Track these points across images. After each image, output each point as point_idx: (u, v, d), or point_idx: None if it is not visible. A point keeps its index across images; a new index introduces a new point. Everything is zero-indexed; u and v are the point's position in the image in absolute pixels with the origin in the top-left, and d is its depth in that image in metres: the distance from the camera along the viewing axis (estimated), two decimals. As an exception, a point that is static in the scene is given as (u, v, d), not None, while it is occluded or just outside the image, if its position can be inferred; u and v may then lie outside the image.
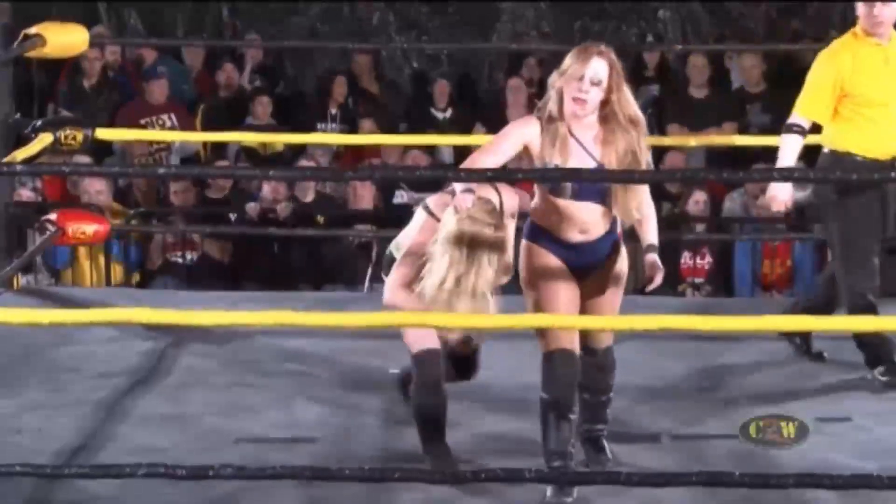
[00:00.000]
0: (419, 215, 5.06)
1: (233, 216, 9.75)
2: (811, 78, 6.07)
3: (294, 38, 11.83)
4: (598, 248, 4.90)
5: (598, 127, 4.81)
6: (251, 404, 5.83)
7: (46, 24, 7.00)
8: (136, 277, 9.43)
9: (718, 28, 12.06)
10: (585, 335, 4.96)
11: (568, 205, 4.79)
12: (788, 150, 6.03)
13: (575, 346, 4.83)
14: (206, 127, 10.32)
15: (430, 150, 10.23)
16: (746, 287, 9.35)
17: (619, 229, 4.96)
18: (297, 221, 9.58)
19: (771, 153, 9.58)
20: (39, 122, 7.25)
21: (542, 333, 4.84)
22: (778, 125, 10.15)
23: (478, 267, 4.71)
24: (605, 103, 4.78)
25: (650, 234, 4.94)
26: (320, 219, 9.76)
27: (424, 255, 4.86)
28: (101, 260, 9.17)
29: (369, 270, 9.49)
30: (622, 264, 4.99)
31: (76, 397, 5.86)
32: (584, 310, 4.92)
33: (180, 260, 9.61)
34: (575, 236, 4.85)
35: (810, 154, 6.23)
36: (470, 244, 4.70)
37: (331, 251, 9.64)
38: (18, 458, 4.99)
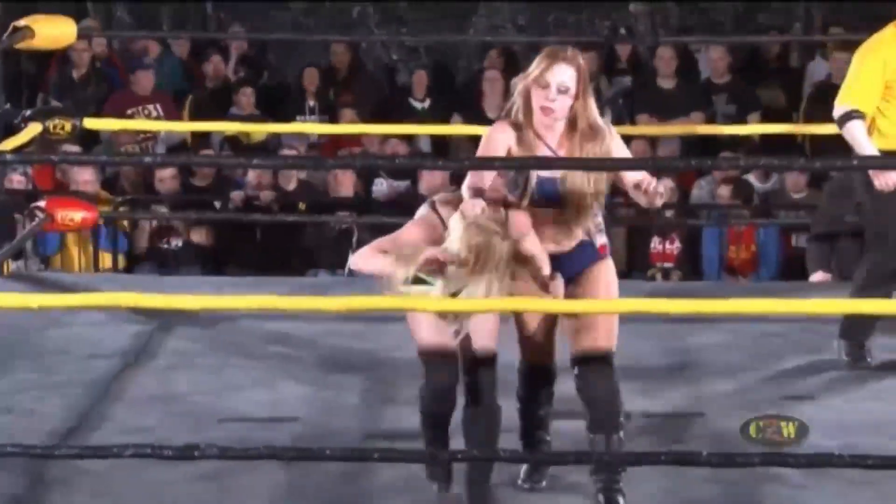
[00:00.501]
0: (423, 209, 4.70)
1: (217, 203, 9.75)
2: (856, 69, 5.78)
3: (278, 30, 11.82)
4: (576, 258, 4.60)
5: (563, 131, 4.56)
6: (236, 384, 5.83)
7: (35, 17, 6.98)
8: (123, 263, 9.42)
9: (687, 21, 12.07)
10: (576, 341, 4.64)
11: (536, 213, 4.53)
12: (860, 135, 5.66)
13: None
14: (194, 117, 10.32)
15: (409, 139, 10.23)
16: (714, 271, 9.40)
17: (600, 239, 4.65)
18: (281, 208, 9.59)
19: (737, 142, 9.75)
20: (29, 112, 7.23)
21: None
22: (743, 115, 10.32)
23: (487, 279, 4.36)
24: (570, 108, 4.53)
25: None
26: (302, 206, 9.77)
27: (409, 245, 4.56)
28: (90, 246, 9.15)
29: (350, 255, 9.49)
30: (607, 273, 4.65)
31: (66, 378, 5.85)
32: (571, 323, 4.63)
33: (166, 246, 9.60)
34: (549, 247, 4.57)
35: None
36: (478, 255, 4.35)
37: (313, 237, 9.65)
38: (9, 438, 4.98)
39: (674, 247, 9.40)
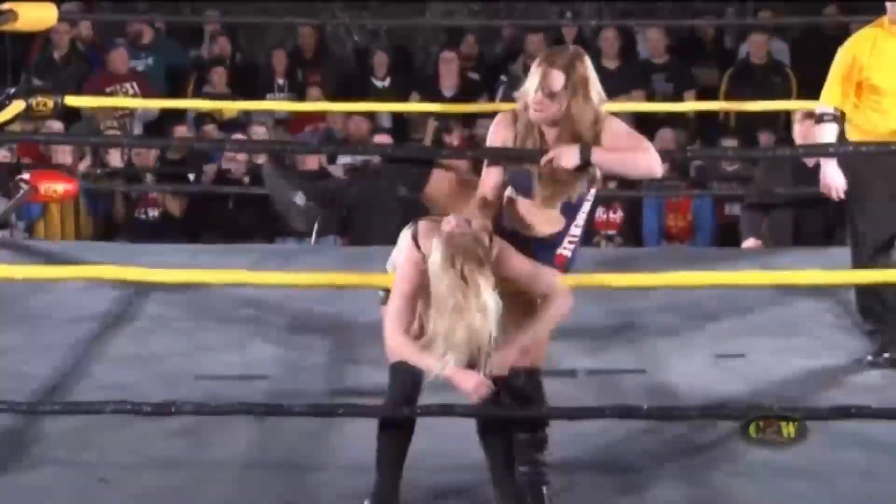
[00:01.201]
0: (404, 240, 4.37)
1: (192, 176, 9.73)
2: (832, 69, 5.52)
3: (248, 14, 11.80)
4: (536, 253, 4.33)
5: (559, 129, 4.33)
6: (209, 346, 5.82)
7: (18, 1, 6.95)
8: (103, 231, 9.38)
9: (628, 5, 12.08)
10: None
11: (516, 202, 4.39)
12: (824, 138, 5.43)
13: None
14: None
15: (371, 115, 10.24)
16: (653, 238, 9.44)
17: (565, 251, 4.40)
18: (251, 180, 9.58)
19: (674, 118, 9.78)
20: (13, 90, 7.18)
21: None
22: (680, 92, 10.35)
23: (475, 285, 4.07)
24: (560, 110, 4.30)
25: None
26: (271, 178, 9.76)
27: (416, 295, 4.24)
28: (71, 216, 9.12)
29: (316, 225, 9.49)
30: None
31: (50, 340, 5.83)
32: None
33: (144, 216, 9.58)
34: (523, 230, 4.38)
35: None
36: (462, 264, 4.08)
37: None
38: (-3, 395, 4.97)
39: (617, 216, 9.43)
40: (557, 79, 4.27)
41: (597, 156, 4.26)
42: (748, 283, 5.45)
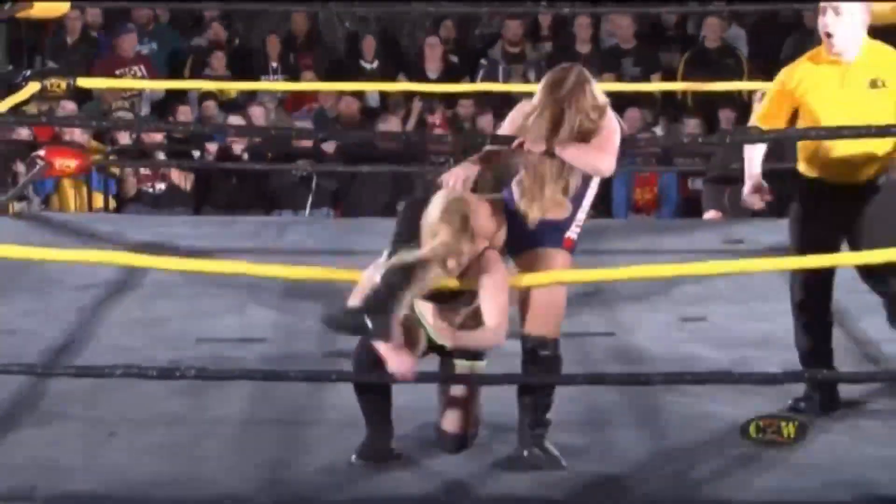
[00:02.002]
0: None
1: (196, 153, 9.71)
2: (769, 89, 4.81)
3: (244, 0, 11.76)
4: (541, 234, 4.28)
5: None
6: (210, 310, 5.80)
7: (33, -10, 6.92)
8: (113, 204, 9.35)
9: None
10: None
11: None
12: (750, 153, 4.76)
13: None
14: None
15: (360, 95, 10.21)
16: (622, 210, 9.45)
17: (572, 233, 4.32)
18: (250, 157, 9.57)
19: (641, 98, 9.76)
20: (29, 73, 7.17)
21: None
22: (647, 75, 10.33)
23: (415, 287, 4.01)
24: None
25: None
26: (269, 155, 9.74)
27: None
28: (84, 189, 9.08)
29: (310, 198, 9.50)
30: (562, 260, 4.30)
31: (62, 305, 5.81)
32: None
33: (151, 189, 9.55)
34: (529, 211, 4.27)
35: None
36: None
37: (277, 182, 9.62)
38: (14, 355, 4.94)
39: (588, 189, 9.40)
40: None
41: (558, 149, 4.21)
42: (758, 269, 5.14)
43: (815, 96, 4.53)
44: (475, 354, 4.30)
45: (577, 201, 4.33)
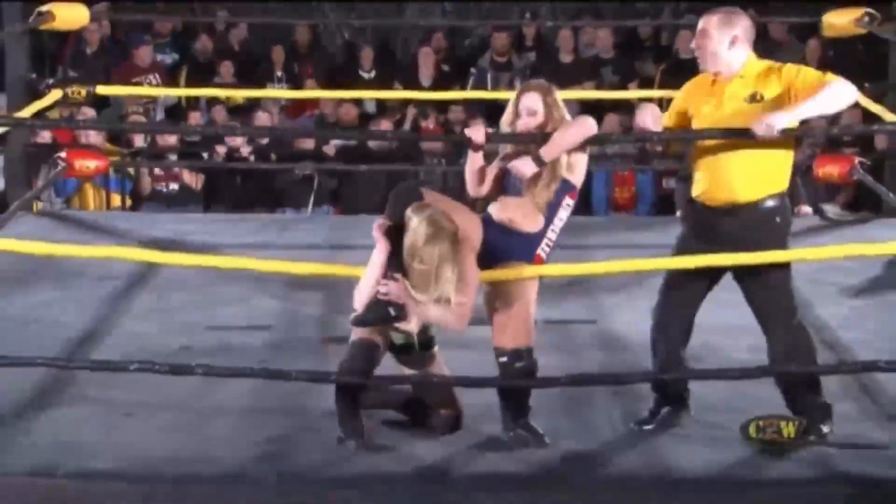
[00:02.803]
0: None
1: (205, 154, 9.70)
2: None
3: (250, 14, 11.78)
4: (513, 246, 4.33)
5: None
6: (219, 300, 5.79)
7: (55, 3, 6.92)
8: (129, 202, 9.34)
9: (578, 7, 12.04)
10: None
11: (508, 199, 4.38)
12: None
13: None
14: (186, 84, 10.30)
15: (358, 102, 10.21)
16: (602, 207, 9.45)
17: (542, 250, 4.34)
18: (256, 158, 9.56)
19: (620, 105, 9.77)
20: (51, 81, 7.17)
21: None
22: (624, 83, 10.34)
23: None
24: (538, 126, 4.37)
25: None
26: (273, 156, 9.73)
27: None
28: (102, 189, 9.08)
29: (311, 196, 9.50)
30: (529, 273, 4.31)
31: (82, 295, 5.80)
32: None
33: (164, 189, 9.53)
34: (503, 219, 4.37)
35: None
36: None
37: (281, 181, 9.61)
38: (37, 344, 4.95)
39: (569, 188, 9.40)
40: (534, 99, 4.41)
41: (546, 155, 4.30)
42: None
43: (697, 111, 4.38)
44: (428, 344, 4.36)
45: (548, 216, 4.36)
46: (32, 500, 3.97)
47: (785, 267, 4.31)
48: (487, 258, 4.30)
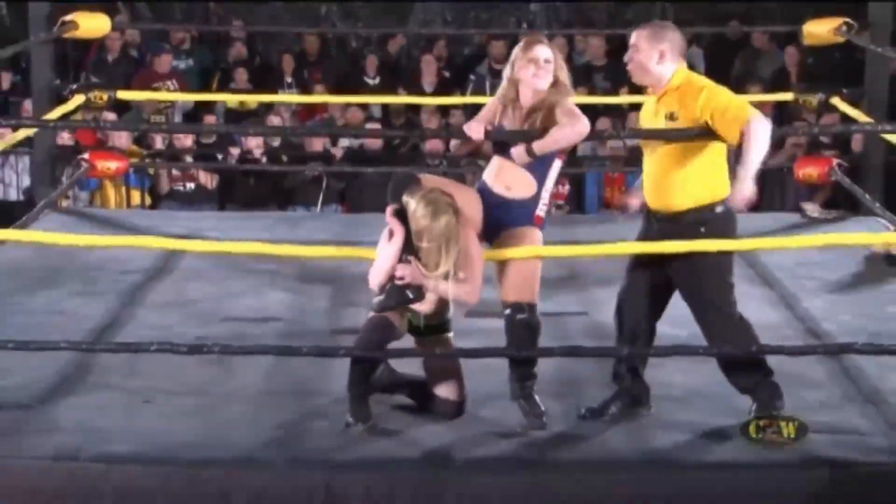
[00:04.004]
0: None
1: (220, 156, 9.70)
2: None
3: (262, 23, 11.78)
4: (514, 213, 4.29)
5: (523, 110, 4.34)
6: (234, 292, 5.78)
7: (78, 13, 6.91)
8: (148, 200, 9.33)
9: (572, 16, 12.04)
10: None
11: (500, 166, 4.34)
12: None
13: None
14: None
15: (364, 106, 10.21)
16: (594, 207, 9.44)
17: (540, 211, 4.31)
18: (268, 159, 9.56)
19: (611, 109, 9.76)
20: (75, 86, 7.16)
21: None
22: (616, 89, 10.32)
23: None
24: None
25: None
26: (284, 158, 9.73)
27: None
28: (122, 188, 9.07)
29: (321, 195, 9.48)
30: (532, 236, 4.29)
31: (104, 288, 5.78)
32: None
33: (181, 188, 9.52)
34: (499, 189, 4.33)
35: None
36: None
37: (292, 181, 9.60)
38: (62, 332, 4.93)
39: (565, 189, 9.41)
40: (548, 51, 4.41)
41: (538, 148, 4.26)
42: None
43: (643, 123, 4.34)
44: (443, 328, 4.33)
45: (540, 179, 4.33)
46: (56, 483, 3.95)
47: (715, 268, 4.18)
48: (490, 228, 4.30)
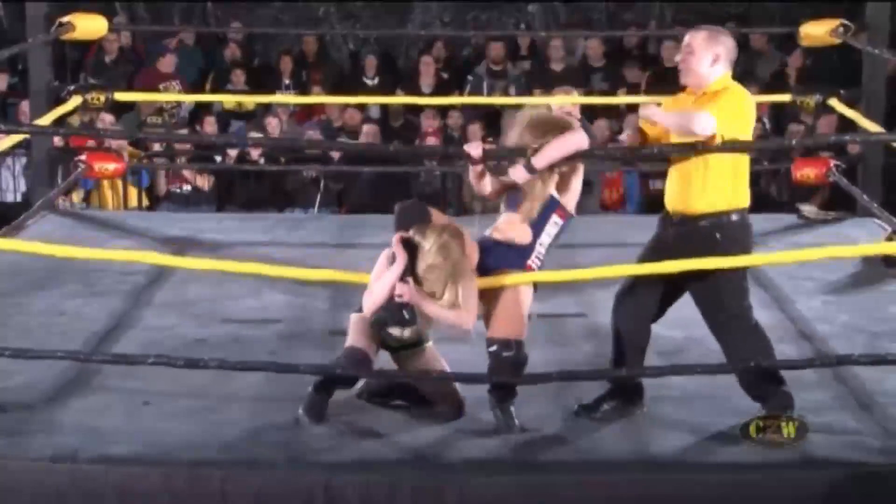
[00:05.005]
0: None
1: (218, 157, 9.71)
2: None
3: (260, 25, 11.78)
4: (505, 256, 4.33)
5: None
6: (233, 294, 5.78)
7: (76, 14, 6.92)
8: (146, 202, 9.34)
9: (571, 18, 12.05)
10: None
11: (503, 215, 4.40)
12: None
13: None
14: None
15: (362, 108, 10.22)
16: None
17: (534, 262, 4.33)
18: (266, 160, 9.56)
19: (608, 109, 9.78)
20: (72, 87, 7.16)
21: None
22: (613, 89, 10.35)
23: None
24: None
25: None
26: (282, 159, 9.74)
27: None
28: (120, 189, 9.07)
29: (318, 197, 9.49)
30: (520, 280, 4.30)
31: (105, 289, 5.79)
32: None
33: (179, 189, 9.53)
34: (494, 234, 4.38)
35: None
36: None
37: (290, 182, 9.61)
38: (62, 335, 4.94)
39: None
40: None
41: (537, 163, 4.26)
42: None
43: None
44: (419, 343, 4.36)
45: (536, 230, 4.34)
46: (56, 484, 3.97)
47: (730, 274, 4.19)
48: (484, 266, 4.33)
